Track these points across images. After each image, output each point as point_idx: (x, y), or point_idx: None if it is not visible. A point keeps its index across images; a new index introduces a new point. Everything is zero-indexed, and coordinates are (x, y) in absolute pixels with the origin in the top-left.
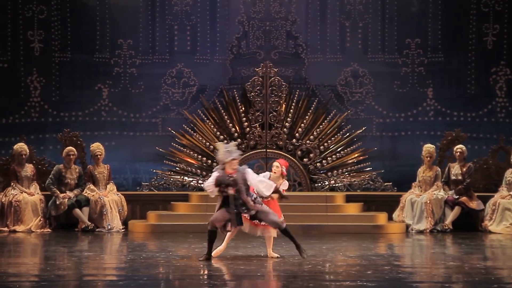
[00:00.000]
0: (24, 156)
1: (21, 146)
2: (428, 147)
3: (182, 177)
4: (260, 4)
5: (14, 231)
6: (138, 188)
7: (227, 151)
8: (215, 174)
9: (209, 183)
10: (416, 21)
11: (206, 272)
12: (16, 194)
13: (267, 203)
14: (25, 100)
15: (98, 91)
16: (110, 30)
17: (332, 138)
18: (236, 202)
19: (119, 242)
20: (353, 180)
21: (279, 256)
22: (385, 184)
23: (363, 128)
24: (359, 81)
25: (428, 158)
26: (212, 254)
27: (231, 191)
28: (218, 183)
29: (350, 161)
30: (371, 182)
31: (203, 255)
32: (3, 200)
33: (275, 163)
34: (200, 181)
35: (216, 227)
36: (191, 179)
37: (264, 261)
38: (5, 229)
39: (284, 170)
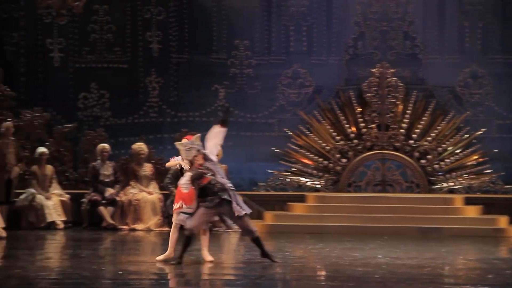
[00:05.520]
0: (142, 156)
1: (139, 146)
2: None
3: (298, 177)
4: (377, 5)
5: (134, 230)
6: (254, 188)
7: (187, 149)
8: (188, 174)
9: (186, 184)
10: None
11: (323, 273)
12: (135, 193)
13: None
14: (143, 100)
15: (215, 92)
16: (227, 31)
17: (451, 140)
18: (215, 188)
19: (236, 242)
20: (472, 182)
21: (213, 260)
22: (506, 186)
23: (483, 129)
24: (478, 82)
25: None
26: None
27: (206, 179)
28: (194, 179)
29: (469, 163)
30: (491, 185)
31: (176, 258)
32: (123, 199)
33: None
34: (316, 182)
35: (194, 233)
36: (307, 179)
37: (383, 263)
38: (125, 227)
39: None
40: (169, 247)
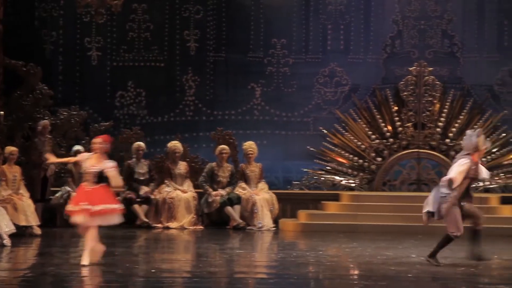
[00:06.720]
0: (177, 154)
1: (174, 144)
2: None
3: (333, 176)
4: (416, 3)
5: (168, 228)
6: (288, 187)
7: (486, 140)
8: (465, 162)
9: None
10: None
11: (356, 272)
12: (170, 191)
13: (97, 190)
14: (180, 98)
15: (251, 90)
16: (264, 30)
17: (488, 139)
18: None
19: (269, 241)
20: (508, 181)
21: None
22: None
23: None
24: None
25: None
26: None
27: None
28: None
29: (506, 162)
30: None
31: (433, 258)
32: (157, 197)
33: (97, 140)
34: (351, 181)
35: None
36: (342, 178)
37: (417, 263)
38: (159, 225)
39: (107, 146)
40: (90, 245)
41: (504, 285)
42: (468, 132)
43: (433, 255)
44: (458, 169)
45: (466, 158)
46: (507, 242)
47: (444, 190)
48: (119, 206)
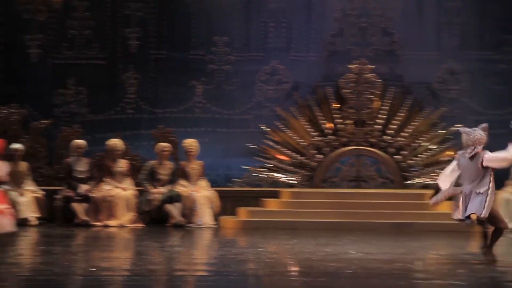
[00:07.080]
0: (117, 152)
1: (114, 142)
2: None
3: (273, 173)
4: (357, 1)
5: (107, 226)
6: (229, 184)
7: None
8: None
9: None
10: None
11: (295, 268)
12: (109, 189)
13: None
14: (121, 96)
15: (193, 88)
16: (206, 28)
17: (426, 136)
18: None
19: (209, 238)
20: None
21: None
22: None
23: (458, 125)
24: (455, 78)
25: None
26: None
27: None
28: None
29: (444, 159)
30: None
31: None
32: (97, 195)
33: None
34: (291, 178)
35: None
36: (282, 175)
37: (355, 259)
38: (99, 223)
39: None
40: None
41: (441, 281)
42: (468, 130)
43: (488, 251)
44: (500, 156)
45: (486, 151)
46: (444, 237)
47: (485, 186)
48: (5, 208)
